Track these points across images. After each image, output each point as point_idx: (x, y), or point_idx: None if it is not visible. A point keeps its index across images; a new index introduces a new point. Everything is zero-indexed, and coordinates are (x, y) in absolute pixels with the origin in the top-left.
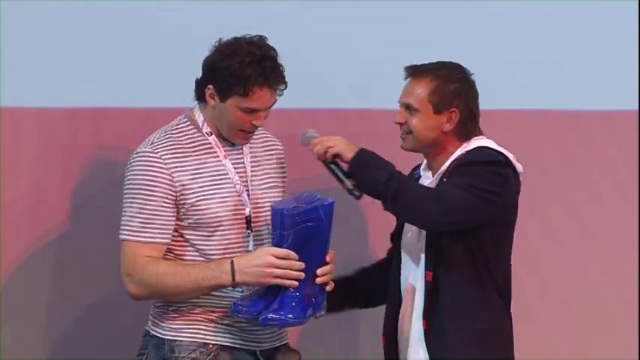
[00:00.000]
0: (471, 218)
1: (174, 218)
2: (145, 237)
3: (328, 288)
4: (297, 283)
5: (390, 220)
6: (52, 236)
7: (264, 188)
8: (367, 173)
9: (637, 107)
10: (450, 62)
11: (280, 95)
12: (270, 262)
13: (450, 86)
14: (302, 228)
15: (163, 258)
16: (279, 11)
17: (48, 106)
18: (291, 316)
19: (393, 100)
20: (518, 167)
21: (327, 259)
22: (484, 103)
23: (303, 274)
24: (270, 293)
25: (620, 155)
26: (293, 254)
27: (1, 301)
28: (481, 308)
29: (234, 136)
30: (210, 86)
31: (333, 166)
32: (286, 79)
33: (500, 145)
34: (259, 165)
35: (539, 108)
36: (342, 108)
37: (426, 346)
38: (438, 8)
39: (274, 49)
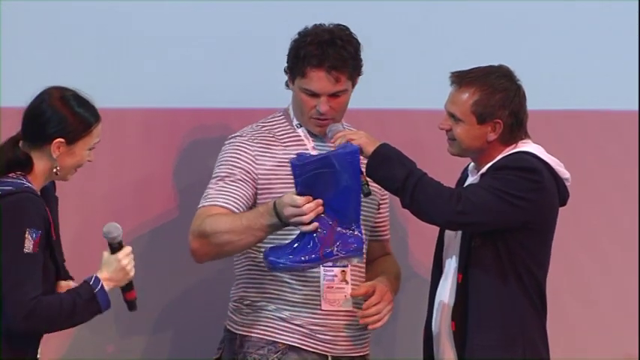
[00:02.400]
0: (491, 220)
1: (248, 195)
2: (216, 202)
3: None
4: (315, 225)
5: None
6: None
7: None
8: (386, 169)
9: (637, 107)
10: (498, 68)
11: (354, 83)
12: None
13: (494, 97)
14: (312, 175)
15: None
16: (321, 11)
17: None
18: (304, 258)
19: (435, 101)
20: (563, 174)
21: None
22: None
23: (305, 217)
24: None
25: (621, 155)
26: (300, 201)
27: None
28: (508, 312)
29: (307, 122)
30: (287, 70)
31: None
32: (356, 71)
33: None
34: None
35: (539, 108)
36: (382, 108)
37: (455, 347)
38: (436, 9)
39: (351, 42)
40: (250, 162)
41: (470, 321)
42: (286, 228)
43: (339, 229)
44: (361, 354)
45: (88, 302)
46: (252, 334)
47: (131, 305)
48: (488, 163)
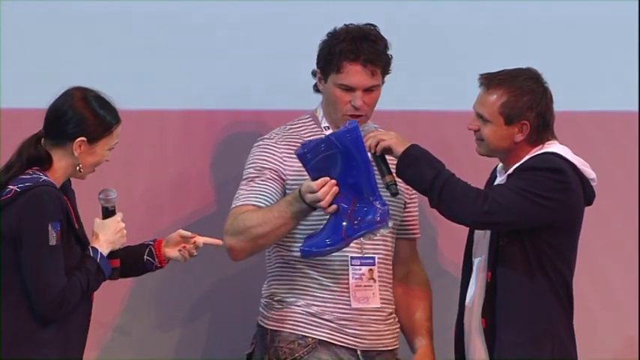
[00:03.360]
0: (517, 220)
1: (278, 193)
2: (248, 201)
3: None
4: (334, 207)
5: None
6: None
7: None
8: (415, 170)
9: (637, 108)
10: (525, 70)
11: (383, 81)
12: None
13: (522, 99)
14: (320, 159)
15: None
16: (355, 12)
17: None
18: (328, 241)
19: (463, 103)
20: (588, 174)
21: None
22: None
23: (323, 202)
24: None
25: (621, 156)
26: (316, 186)
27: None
28: (535, 309)
29: (340, 119)
30: (318, 70)
31: (379, 159)
32: (387, 67)
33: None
34: None
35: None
36: (414, 110)
37: (486, 344)
38: (464, 11)
39: (382, 39)
40: (279, 163)
41: (499, 318)
42: (318, 218)
43: (358, 205)
44: (389, 348)
45: (96, 273)
46: (283, 329)
47: (114, 272)
48: (515, 164)
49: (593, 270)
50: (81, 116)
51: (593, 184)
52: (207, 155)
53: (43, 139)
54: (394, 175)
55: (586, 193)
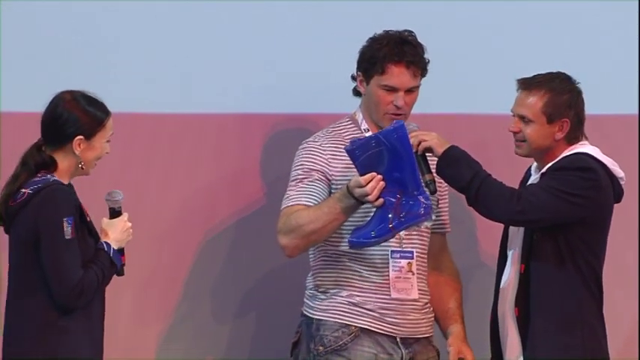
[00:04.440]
0: (549, 217)
1: (325, 193)
2: (299, 200)
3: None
4: (381, 200)
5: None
6: None
7: None
8: (454, 169)
9: (637, 111)
10: (559, 73)
11: (419, 83)
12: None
13: (561, 97)
14: (368, 156)
15: None
16: (390, 14)
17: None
18: (373, 233)
19: (498, 106)
20: (617, 173)
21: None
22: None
23: (371, 197)
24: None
25: (620, 159)
26: (364, 181)
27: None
28: (567, 299)
29: (381, 119)
30: (359, 73)
31: (420, 158)
32: (426, 70)
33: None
34: None
35: None
36: (452, 113)
37: (518, 329)
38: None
39: (420, 44)
40: (324, 164)
41: (532, 307)
42: (362, 214)
43: (404, 199)
44: (425, 335)
45: (110, 267)
46: (328, 318)
47: (120, 271)
48: (550, 162)
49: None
50: (74, 116)
51: (622, 182)
52: (243, 158)
53: (43, 147)
54: (433, 174)
55: (615, 191)
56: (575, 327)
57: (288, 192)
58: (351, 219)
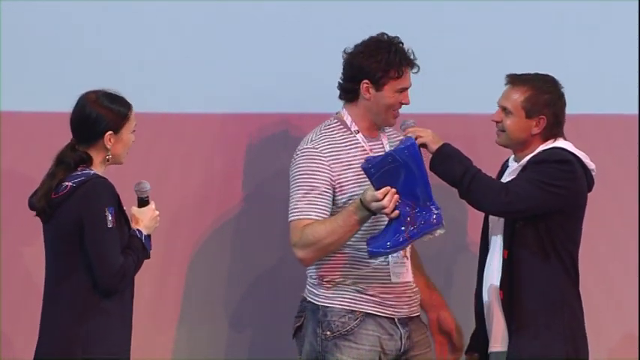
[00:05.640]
0: (534, 206)
1: (330, 204)
2: (309, 215)
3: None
4: (397, 212)
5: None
6: None
7: None
8: (447, 165)
9: (637, 111)
10: (545, 75)
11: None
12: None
13: (542, 96)
14: (383, 172)
15: None
16: (388, 18)
17: (47, 110)
18: (389, 244)
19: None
20: (590, 165)
21: None
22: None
23: (387, 209)
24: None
25: (621, 159)
26: (380, 195)
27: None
28: (550, 282)
29: (386, 119)
30: (367, 81)
31: None
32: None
33: None
34: None
35: None
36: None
37: (503, 312)
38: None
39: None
40: (327, 171)
41: (516, 290)
42: (372, 221)
43: (417, 210)
44: (417, 314)
45: (142, 252)
46: (334, 305)
47: (148, 254)
48: (527, 156)
49: (594, 269)
50: (102, 115)
51: (593, 173)
52: (239, 157)
53: (76, 145)
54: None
55: (588, 181)
56: (557, 308)
57: (295, 203)
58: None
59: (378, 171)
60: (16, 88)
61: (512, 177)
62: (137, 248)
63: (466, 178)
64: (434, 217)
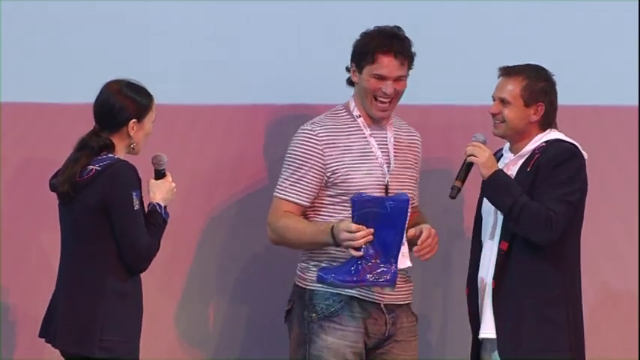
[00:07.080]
0: (573, 216)
1: (318, 186)
2: (288, 196)
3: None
4: (360, 253)
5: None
6: None
7: (402, 168)
8: (497, 195)
9: (637, 103)
10: (536, 65)
11: (407, 73)
12: (343, 232)
13: (538, 84)
14: (367, 212)
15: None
16: (389, 11)
17: (48, 101)
18: (340, 278)
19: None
20: (584, 155)
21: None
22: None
23: (356, 243)
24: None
25: (621, 151)
26: (354, 228)
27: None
28: (554, 275)
29: (370, 106)
30: (353, 64)
31: (465, 166)
32: (412, 62)
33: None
34: (401, 148)
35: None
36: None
37: (492, 302)
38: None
39: (407, 38)
40: (319, 155)
41: (516, 282)
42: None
43: (380, 261)
44: (406, 302)
45: (162, 224)
46: (320, 289)
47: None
48: (523, 145)
49: (593, 268)
50: (125, 104)
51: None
52: (245, 148)
53: (100, 132)
54: (463, 183)
55: None
56: (559, 302)
57: (282, 180)
58: None
59: (362, 208)
60: (16, 80)
61: (523, 177)
62: (158, 223)
63: (514, 211)
64: (390, 274)
